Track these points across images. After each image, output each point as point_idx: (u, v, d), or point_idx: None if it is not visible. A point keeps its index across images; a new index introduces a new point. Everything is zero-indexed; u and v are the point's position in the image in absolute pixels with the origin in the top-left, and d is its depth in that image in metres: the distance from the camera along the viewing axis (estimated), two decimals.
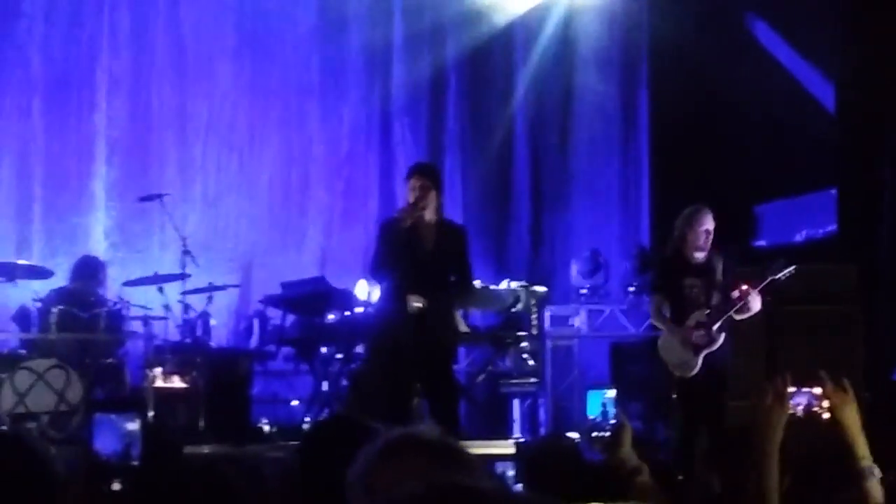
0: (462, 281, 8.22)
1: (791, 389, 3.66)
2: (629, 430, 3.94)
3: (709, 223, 8.45)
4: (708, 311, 8.33)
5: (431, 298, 7.94)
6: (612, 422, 3.82)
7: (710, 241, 8.45)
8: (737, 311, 8.20)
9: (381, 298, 8.51)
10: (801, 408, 3.65)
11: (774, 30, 11.82)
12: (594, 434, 3.41)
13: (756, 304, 8.17)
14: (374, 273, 8.37)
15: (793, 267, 8.08)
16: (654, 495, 3.73)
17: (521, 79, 12.98)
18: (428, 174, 8.27)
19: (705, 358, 8.24)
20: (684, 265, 8.47)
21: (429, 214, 8.05)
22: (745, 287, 8.13)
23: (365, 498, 2.69)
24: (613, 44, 12.98)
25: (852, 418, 3.63)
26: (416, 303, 7.89)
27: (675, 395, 8.30)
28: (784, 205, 11.30)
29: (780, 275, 8.11)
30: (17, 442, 3.14)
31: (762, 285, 8.12)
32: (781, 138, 11.18)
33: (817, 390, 3.66)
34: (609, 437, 3.90)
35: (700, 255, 8.43)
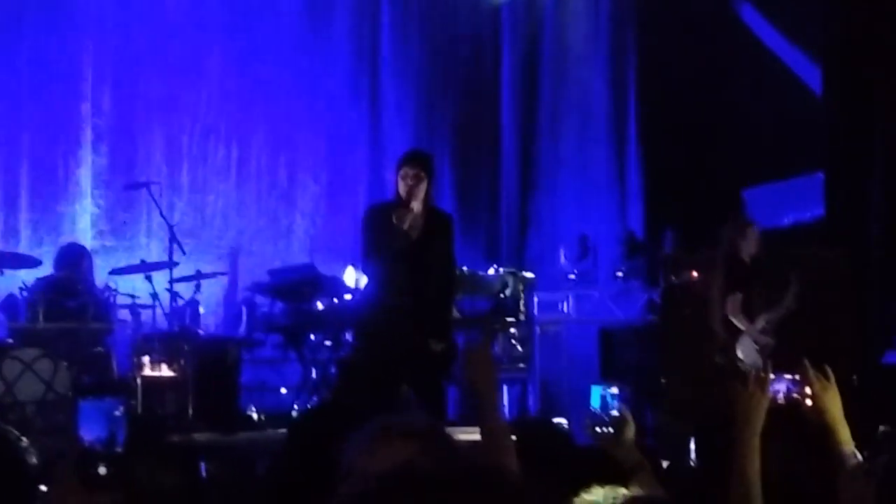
0: (443, 269, 8.13)
1: (772, 376, 3.66)
2: (632, 426, 3.91)
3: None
4: (767, 315, 8.53)
5: (418, 287, 7.87)
6: (614, 414, 3.74)
7: None
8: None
9: (368, 286, 8.45)
10: (781, 394, 3.66)
11: (761, 13, 11.82)
12: (596, 428, 3.38)
13: None
14: (365, 263, 8.29)
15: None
16: (651, 487, 3.71)
17: (511, 63, 12.97)
18: (422, 163, 8.04)
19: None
20: (746, 268, 8.62)
21: (417, 204, 7.94)
22: None
23: (355, 483, 2.70)
24: (602, 28, 12.97)
25: (834, 404, 3.63)
26: (436, 347, 7.91)
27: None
28: (772, 189, 11.31)
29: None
30: None
31: None
32: (769, 122, 11.20)
33: (798, 377, 3.66)
34: (611, 432, 3.86)
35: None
